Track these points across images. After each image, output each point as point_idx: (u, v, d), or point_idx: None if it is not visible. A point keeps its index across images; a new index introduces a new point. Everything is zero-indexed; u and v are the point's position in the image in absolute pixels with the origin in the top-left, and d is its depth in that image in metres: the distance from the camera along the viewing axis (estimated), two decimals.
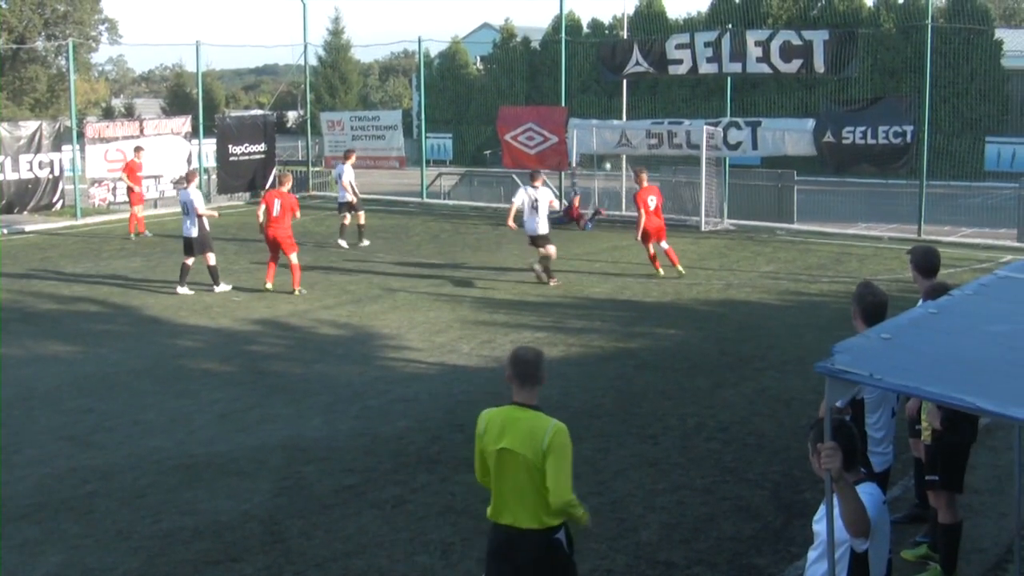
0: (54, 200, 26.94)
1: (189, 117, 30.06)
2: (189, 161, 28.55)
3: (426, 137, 33.11)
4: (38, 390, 12.08)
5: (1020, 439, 5.67)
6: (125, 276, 19.12)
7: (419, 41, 31.34)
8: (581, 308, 16.17)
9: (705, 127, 24.32)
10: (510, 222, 18.39)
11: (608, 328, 14.80)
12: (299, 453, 9.88)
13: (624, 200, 26.99)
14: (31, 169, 26.27)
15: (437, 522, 8.25)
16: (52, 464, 9.68)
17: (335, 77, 58.56)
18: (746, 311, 15.80)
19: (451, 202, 31.14)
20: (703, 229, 23.89)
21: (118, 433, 10.56)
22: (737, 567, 7.49)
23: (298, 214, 17.77)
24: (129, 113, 73.00)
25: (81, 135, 28.25)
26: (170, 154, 28.55)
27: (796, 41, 23.61)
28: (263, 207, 17.74)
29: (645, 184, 18.20)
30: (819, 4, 41.37)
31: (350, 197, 22.40)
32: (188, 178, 18.67)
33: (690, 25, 40.48)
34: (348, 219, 22.54)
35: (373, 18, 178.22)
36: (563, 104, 28.19)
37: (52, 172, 26.65)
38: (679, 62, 25.41)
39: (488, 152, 43.07)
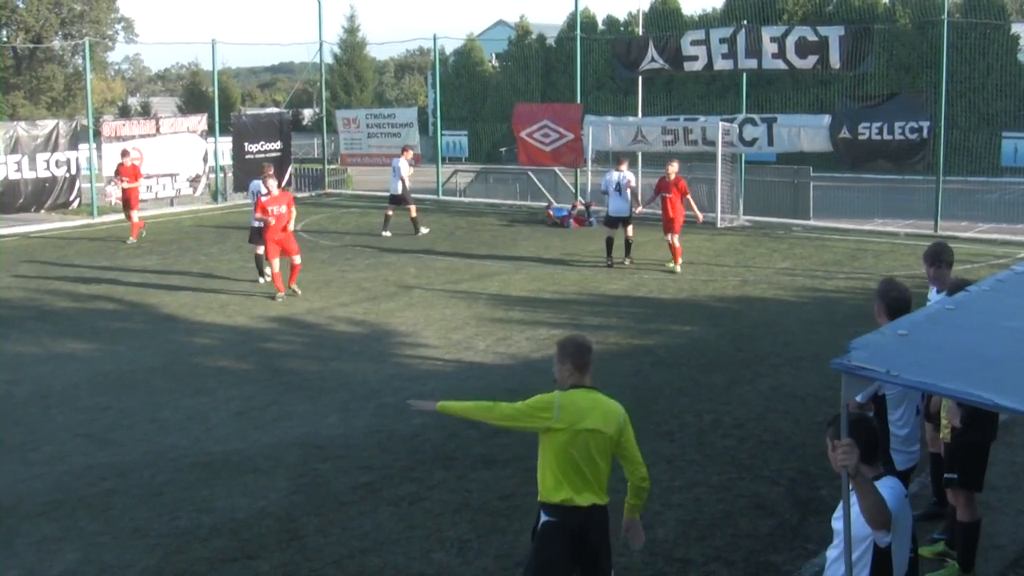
0: (71, 199, 27.02)
1: (205, 115, 30.11)
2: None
3: (442, 134, 33.23)
4: (55, 388, 12.13)
5: None
6: (141, 274, 19.20)
7: (434, 39, 31.36)
8: (597, 304, 16.16)
9: (721, 123, 24.29)
10: (640, 208, 20.35)
11: (624, 324, 14.79)
12: (315, 450, 9.89)
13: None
14: (48, 168, 26.37)
15: (453, 519, 8.24)
16: (69, 462, 9.72)
17: (350, 75, 58.64)
18: (762, 307, 15.76)
19: (467, 199, 31.14)
20: (719, 226, 23.83)
21: (135, 431, 10.60)
22: (754, 564, 7.48)
23: (293, 210, 17.20)
24: (145, 112, 73.37)
25: (98, 134, 28.34)
26: (186, 152, 28.73)
27: (811, 37, 23.61)
28: (271, 212, 16.68)
29: (672, 176, 18.75)
30: (834, 0, 41.22)
31: (400, 190, 23.27)
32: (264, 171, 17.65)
33: (705, 21, 40.42)
34: (391, 212, 23.50)
35: (388, 16, 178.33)
36: (578, 101, 28.15)
37: (69, 171, 26.73)
38: (694, 58, 25.42)
39: (504, 149, 42.99)
